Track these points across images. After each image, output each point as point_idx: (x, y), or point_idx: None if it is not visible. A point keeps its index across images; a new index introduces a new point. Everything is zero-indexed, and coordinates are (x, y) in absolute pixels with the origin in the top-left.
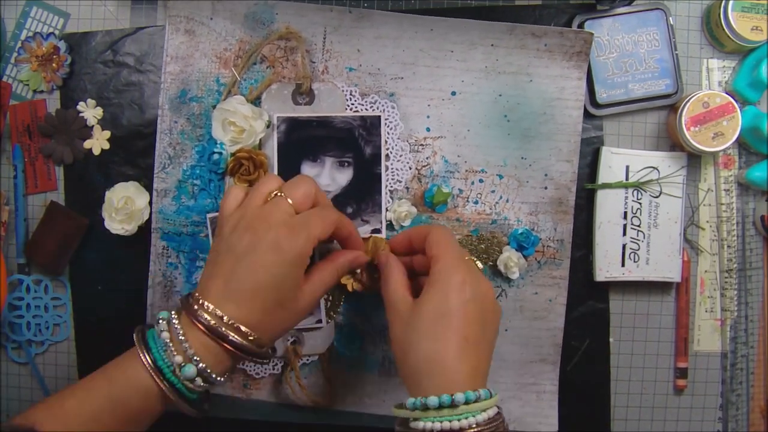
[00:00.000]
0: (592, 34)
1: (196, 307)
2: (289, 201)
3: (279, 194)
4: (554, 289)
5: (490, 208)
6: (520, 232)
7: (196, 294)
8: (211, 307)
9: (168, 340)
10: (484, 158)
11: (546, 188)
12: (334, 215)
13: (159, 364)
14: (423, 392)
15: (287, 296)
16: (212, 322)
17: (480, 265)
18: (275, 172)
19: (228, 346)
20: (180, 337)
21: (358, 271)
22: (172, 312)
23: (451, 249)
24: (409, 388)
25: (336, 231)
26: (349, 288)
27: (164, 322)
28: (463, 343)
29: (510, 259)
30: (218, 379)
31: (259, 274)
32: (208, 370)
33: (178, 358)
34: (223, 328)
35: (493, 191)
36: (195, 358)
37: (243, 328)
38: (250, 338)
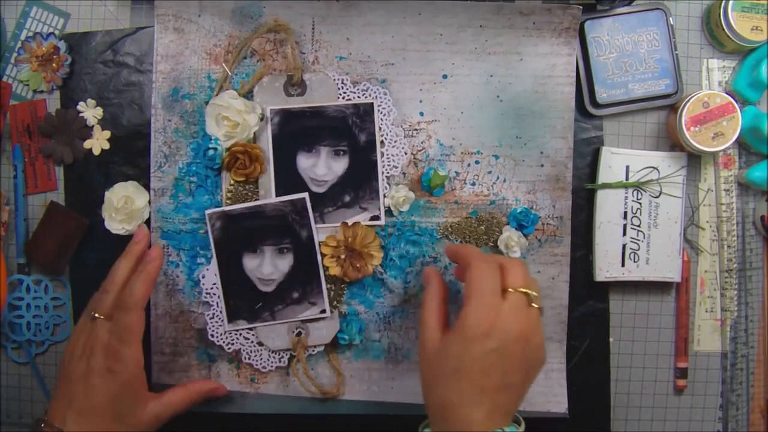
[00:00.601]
0: (581, 8)
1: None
2: (101, 317)
3: (95, 315)
4: (556, 267)
5: (488, 189)
6: (519, 211)
7: (47, 418)
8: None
9: None
10: (479, 140)
11: (542, 166)
12: (129, 315)
13: None
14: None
15: (125, 411)
16: None
17: (532, 293)
18: (271, 164)
19: None
20: None
21: (342, 256)
22: None
23: (483, 291)
24: (429, 421)
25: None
26: (331, 272)
27: None
28: (479, 392)
29: (510, 238)
30: None
31: (96, 395)
32: None
33: None
34: None
35: (489, 172)
36: None
37: None
38: None
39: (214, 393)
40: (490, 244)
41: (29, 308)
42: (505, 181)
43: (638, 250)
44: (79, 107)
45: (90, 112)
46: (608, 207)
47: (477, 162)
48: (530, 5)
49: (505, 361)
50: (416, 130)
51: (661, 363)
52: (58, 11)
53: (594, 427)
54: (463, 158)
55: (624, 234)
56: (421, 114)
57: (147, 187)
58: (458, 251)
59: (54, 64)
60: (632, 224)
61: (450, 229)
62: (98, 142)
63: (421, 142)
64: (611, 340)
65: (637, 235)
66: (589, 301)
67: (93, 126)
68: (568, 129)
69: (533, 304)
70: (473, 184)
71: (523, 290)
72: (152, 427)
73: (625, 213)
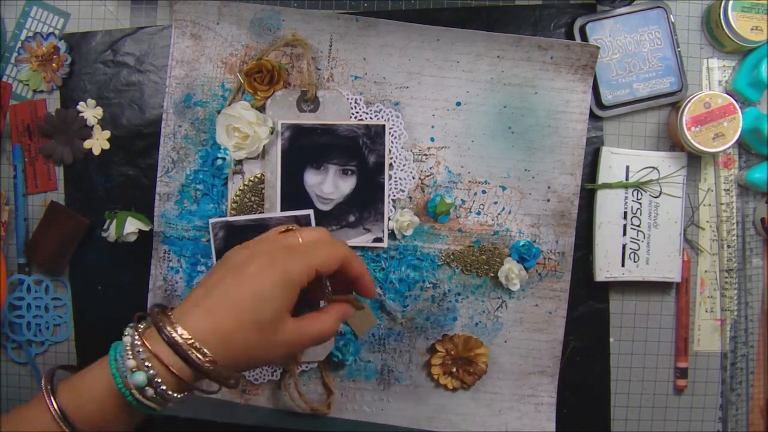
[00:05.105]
0: (599, 48)
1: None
2: (300, 239)
3: (291, 229)
4: (554, 302)
5: (493, 220)
6: (521, 244)
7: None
8: (175, 319)
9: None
10: (487, 169)
11: (548, 201)
12: (340, 250)
13: (113, 371)
14: None
15: (267, 318)
16: (172, 335)
17: None
18: (278, 179)
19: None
20: (138, 349)
21: (454, 369)
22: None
23: None
24: None
25: (344, 268)
26: (450, 386)
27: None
28: None
29: (511, 270)
30: (172, 394)
31: (245, 284)
32: (159, 380)
33: (131, 363)
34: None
35: (495, 202)
36: (147, 364)
37: (199, 345)
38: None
39: (346, 316)
40: (491, 274)
41: (30, 308)
42: (510, 212)
43: (638, 250)
44: (79, 107)
45: (90, 112)
46: (608, 207)
47: (484, 191)
48: (549, 40)
49: None
50: (426, 155)
51: (661, 363)
52: (58, 11)
53: (594, 427)
54: (471, 187)
55: (624, 234)
56: (432, 139)
57: (149, 187)
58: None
59: (54, 64)
60: (632, 224)
61: (452, 257)
62: (98, 142)
63: (430, 168)
64: (611, 340)
65: (637, 235)
66: (589, 301)
67: (93, 126)
68: (577, 166)
69: None
70: (478, 213)
71: None
72: (290, 347)
73: (625, 213)
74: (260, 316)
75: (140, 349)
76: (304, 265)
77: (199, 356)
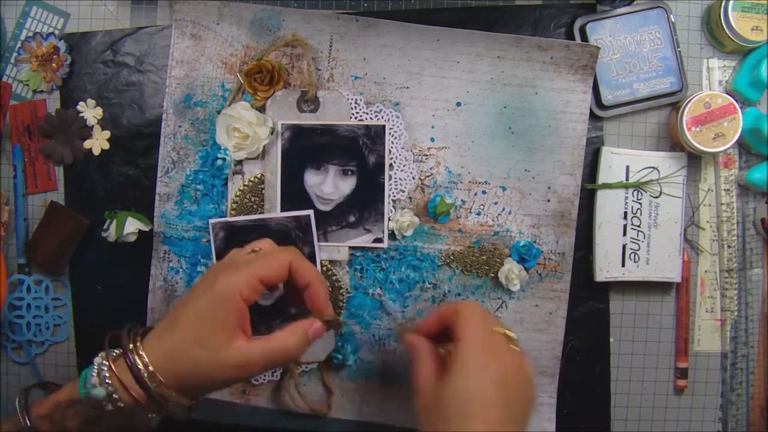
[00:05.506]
0: (599, 48)
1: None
2: (255, 250)
3: (255, 250)
4: (555, 302)
5: (493, 220)
6: (521, 244)
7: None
8: (143, 342)
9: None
10: (487, 170)
11: (549, 201)
12: (284, 256)
13: (80, 385)
14: None
15: (208, 334)
16: (136, 362)
17: (512, 334)
18: (278, 179)
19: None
20: (102, 367)
21: None
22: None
23: (474, 328)
24: None
25: (293, 276)
26: None
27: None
28: (485, 427)
29: (511, 271)
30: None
31: (189, 303)
32: (116, 396)
33: (94, 379)
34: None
35: (495, 203)
36: (107, 381)
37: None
38: (150, 370)
39: (314, 333)
40: (491, 275)
41: (29, 308)
42: (510, 213)
43: (638, 250)
44: (79, 107)
45: (90, 112)
46: (608, 207)
47: (484, 192)
48: (549, 41)
49: (505, 391)
50: (426, 155)
51: (661, 363)
52: (58, 11)
53: (594, 427)
54: (471, 187)
55: (624, 234)
56: (432, 140)
57: (151, 187)
58: (439, 315)
59: (54, 64)
60: (632, 224)
61: (452, 257)
62: (98, 142)
63: (430, 168)
64: (611, 340)
65: (637, 235)
66: (589, 301)
67: (93, 126)
68: (577, 166)
69: (513, 347)
70: (479, 213)
71: (505, 330)
72: (239, 369)
73: (626, 213)
74: (201, 333)
75: (104, 367)
76: (244, 277)
77: (150, 379)
